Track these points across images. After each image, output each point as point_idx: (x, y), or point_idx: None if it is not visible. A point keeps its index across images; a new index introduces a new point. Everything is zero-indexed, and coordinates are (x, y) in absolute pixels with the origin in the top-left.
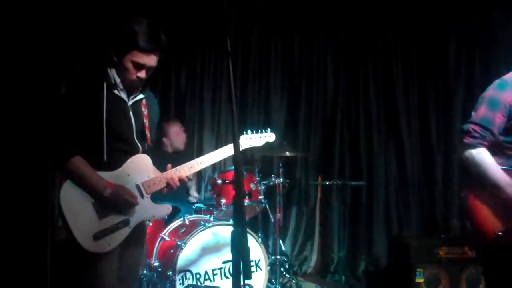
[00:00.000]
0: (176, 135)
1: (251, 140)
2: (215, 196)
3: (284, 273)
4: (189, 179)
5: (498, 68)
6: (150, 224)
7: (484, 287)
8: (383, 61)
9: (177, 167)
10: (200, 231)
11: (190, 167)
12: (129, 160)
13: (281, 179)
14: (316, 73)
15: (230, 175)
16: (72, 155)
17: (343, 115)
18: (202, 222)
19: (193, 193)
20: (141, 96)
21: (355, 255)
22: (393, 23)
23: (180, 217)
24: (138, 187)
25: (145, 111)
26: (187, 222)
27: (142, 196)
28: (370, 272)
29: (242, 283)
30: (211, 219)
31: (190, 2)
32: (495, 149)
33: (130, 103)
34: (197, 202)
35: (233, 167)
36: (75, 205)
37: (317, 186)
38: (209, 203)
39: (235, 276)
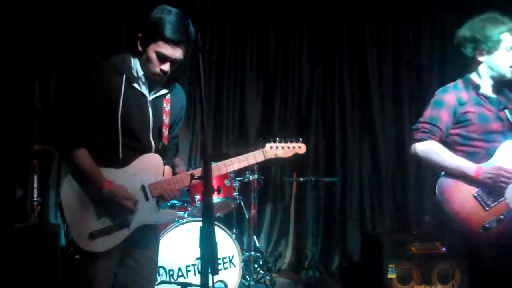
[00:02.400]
0: None
1: (277, 149)
2: (189, 192)
3: (258, 269)
4: None
5: None
6: None
7: (455, 282)
8: (358, 59)
9: (189, 172)
10: (174, 227)
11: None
12: (137, 159)
13: (256, 176)
14: (292, 69)
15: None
16: (77, 147)
17: (317, 112)
18: (176, 219)
19: None
20: (164, 91)
21: (329, 251)
22: (367, 14)
23: None
24: (143, 188)
25: (167, 107)
26: None
27: (147, 198)
28: (343, 268)
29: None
30: (185, 215)
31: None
32: (454, 149)
33: (150, 98)
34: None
35: None
36: (75, 201)
37: (292, 183)
38: (184, 200)
39: (203, 271)
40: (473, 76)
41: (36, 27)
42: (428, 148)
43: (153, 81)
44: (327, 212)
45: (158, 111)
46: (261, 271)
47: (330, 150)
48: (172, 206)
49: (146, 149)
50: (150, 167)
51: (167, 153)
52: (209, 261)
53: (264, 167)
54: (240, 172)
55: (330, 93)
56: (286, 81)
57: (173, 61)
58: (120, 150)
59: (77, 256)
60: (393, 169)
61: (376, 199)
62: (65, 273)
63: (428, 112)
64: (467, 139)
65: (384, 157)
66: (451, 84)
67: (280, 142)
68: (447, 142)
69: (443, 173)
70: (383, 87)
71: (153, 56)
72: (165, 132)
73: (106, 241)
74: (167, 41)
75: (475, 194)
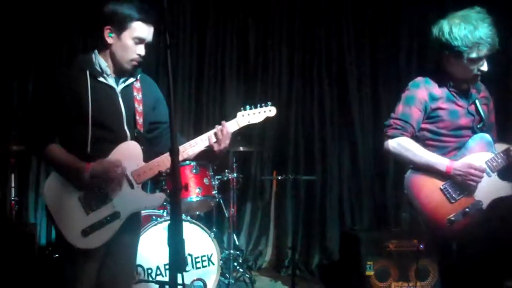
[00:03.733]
0: None
1: (249, 116)
2: (168, 191)
3: (237, 267)
4: None
5: None
6: None
7: (433, 279)
8: (337, 58)
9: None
10: (152, 226)
11: (183, 151)
12: (116, 149)
13: (235, 174)
14: (271, 67)
15: (182, 171)
16: (48, 143)
17: (297, 111)
18: (154, 217)
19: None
20: (131, 79)
21: (309, 249)
22: (346, 14)
23: None
24: (127, 176)
25: (138, 95)
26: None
27: (132, 186)
28: (323, 266)
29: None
30: (164, 214)
31: None
32: (424, 144)
33: (119, 88)
34: None
35: (186, 162)
36: (60, 201)
37: (271, 181)
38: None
39: (170, 268)
40: (445, 72)
41: (14, 29)
42: (400, 145)
43: (123, 70)
44: (307, 210)
45: (129, 101)
46: (241, 270)
47: (309, 148)
48: None
49: (122, 139)
50: (129, 154)
51: (159, 140)
52: (176, 258)
53: (243, 165)
54: (219, 171)
55: (310, 92)
56: (266, 78)
57: (147, 43)
58: (89, 145)
59: (56, 255)
60: (372, 168)
61: (355, 197)
62: (43, 272)
63: (400, 108)
64: (437, 134)
65: (362, 156)
66: (422, 79)
67: (250, 109)
68: (417, 137)
69: (410, 167)
70: (362, 86)
71: (129, 42)
72: (139, 119)
73: (100, 235)
74: (142, 21)
75: (442, 187)
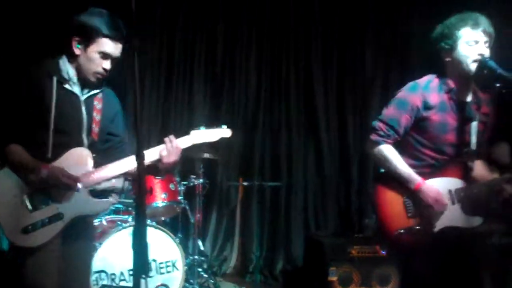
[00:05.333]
0: None
1: (203, 136)
2: (135, 196)
3: (202, 273)
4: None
5: (413, 68)
6: None
7: (394, 284)
8: (304, 65)
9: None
10: (117, 231)
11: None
12: (67, 153)
13: (201, 180)
14: (239, 72)
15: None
16: (10, 143)
17: (264, 116)
18: (119, 223)
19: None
20: (96, 90)
21: (273, 255)
22: (314, 22)
23: (98, 218)
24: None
25: (98, 105)
26: (104, 223)
27: (77, 189)
28: (287, 271)
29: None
30: (129, 219)
31: None
32: (402, 148)
33: (83, 97)
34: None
35: None
36: (5, 197)
37: (237, 187)
38: (128, 204)
39: (134, 273)
40: (448, 78)
41: None
42: (380, 153)
43: (88, 81)
44: (272, 216)
45: (90, 109)
46: (205, 275)
47: (275, 154)
48: (116, 211)
49: (78, 145)
50: (78, 160)
51: (109, 152)
52: (140, 261)
53: (209, 171)
54: (185, 177)
55: (277, 98)
56: (233, 83)
57: (113, 59)
58: (50, 148)
59: (19, 260)
60: (337, 174)
61: (319, 203)
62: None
63: (390, 111)
64: (420, 144)
65: (328, 162)
66: (423, 82)
67: (206, 128)
68: (401, 141)
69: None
70: (328, 93)
71: (95, 56)
72: (95, 128)
73: (41, 234)
74: (110, 38)
75: (405, 200)
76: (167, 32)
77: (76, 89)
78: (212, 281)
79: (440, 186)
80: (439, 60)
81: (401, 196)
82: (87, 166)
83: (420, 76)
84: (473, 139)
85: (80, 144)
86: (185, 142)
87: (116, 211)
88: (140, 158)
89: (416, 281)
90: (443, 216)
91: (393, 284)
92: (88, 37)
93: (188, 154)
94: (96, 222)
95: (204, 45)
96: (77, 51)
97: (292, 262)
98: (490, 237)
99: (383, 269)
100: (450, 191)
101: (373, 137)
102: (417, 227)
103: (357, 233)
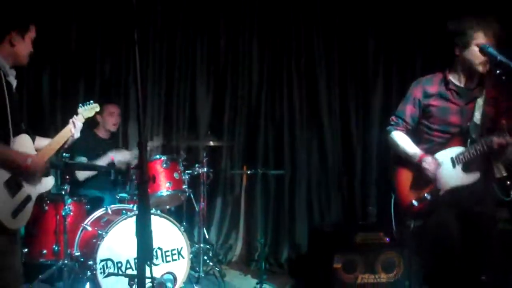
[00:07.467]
0: (109, 115)
1: (86, 111)
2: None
3: (208, 261)
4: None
5: (414, 66)
6: (72, 213)
7: (398, 271)
8: (307, 54)
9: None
10: (122, 220)
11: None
12: (16, 142)
13: (205, 169)
14: (242, 64)
15: (152, 165)
16: None
17: (267, 106)
18: (124, 211)
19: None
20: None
21: (278, 243)
22: (316, 13)
23: (103, 207)
24: None
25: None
26: (109, 212)
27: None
28: (292, 260)
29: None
30: (134, 208)
31: None
32: (418, 136)
33: (15, 84)
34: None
35: (156, 157)
36: None
37: (241, 175)
38: (134, 193)
39: (138, 259)
40: (449, 70)
41: None
42: (392, 138)
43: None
44: (276, 204)
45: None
46: (211, 263)
47: (279, 144)
48: (121, 200)
49: (21, 132)
50: (27, 145)
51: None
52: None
53: (214, 160)
54: (189, 165)
55: (279, 90)
56: (236, 77)
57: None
58: (11, 138)
59: None
60: (340, 163)
61: (323, 191)
62: None
63: (399, 106)
64: (429, 129)
65: (331, 151)
66: (426, 77)
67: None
68: (417, 130)
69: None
70: (331, 82)
71: (28, 41)
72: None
73: (24, 215)
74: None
75: (415, 174)
76: (169, 25)
77: (12, 78)
78: (218, 269)
79: (444, 156)
80: (445, 52)
81: (412, 172)
82: (33, 150)
83: (421, 67)
84: (477, 114)
85: (21, 130)
86: (80, 119)
87: (122, 200)
88: (141, 145)
89: (432, 245)
90: (446, 180)
91: (397, 270)
92: (24, 27)
93: (193, 143)
94: (101, 211)
95: (206, 39)
96: (15, 42)
97: (296, 249)
98: (495, 223)
99: (387, 255)
100: (451, 158)
101: (388, 127)
102: (425, 195)
103: (361, 220)
